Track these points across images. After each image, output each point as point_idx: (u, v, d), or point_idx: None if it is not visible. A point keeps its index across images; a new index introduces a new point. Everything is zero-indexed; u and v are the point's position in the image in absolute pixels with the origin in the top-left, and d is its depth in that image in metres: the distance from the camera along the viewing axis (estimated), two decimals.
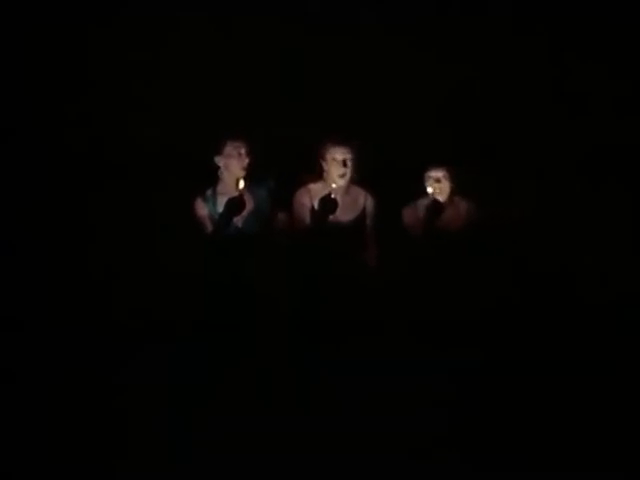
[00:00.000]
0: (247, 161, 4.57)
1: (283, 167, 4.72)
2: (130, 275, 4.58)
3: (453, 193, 4.68)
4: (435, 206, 4.66)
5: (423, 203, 4.71)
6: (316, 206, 4.66)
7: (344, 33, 4.96)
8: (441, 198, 4.66)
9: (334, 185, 4.63)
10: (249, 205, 4.56)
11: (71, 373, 4.14)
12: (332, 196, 4.62)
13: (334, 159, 4.70)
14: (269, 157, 4.62)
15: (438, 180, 4.68)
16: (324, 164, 4.69)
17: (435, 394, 4.02)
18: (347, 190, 4.71)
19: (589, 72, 4.90)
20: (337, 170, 4.68)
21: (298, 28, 4.95)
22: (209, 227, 4.58)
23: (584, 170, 4.81)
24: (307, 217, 4.67)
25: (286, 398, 4.06)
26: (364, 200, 4.73)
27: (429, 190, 4.67)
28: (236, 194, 4.52)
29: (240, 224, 4.60)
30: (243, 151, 4.57)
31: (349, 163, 4.69)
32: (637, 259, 4.65)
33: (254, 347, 4.20)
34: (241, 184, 4.49)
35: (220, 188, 4.63)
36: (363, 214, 4.72)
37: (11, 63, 4.88)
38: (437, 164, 4.71)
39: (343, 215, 4.66)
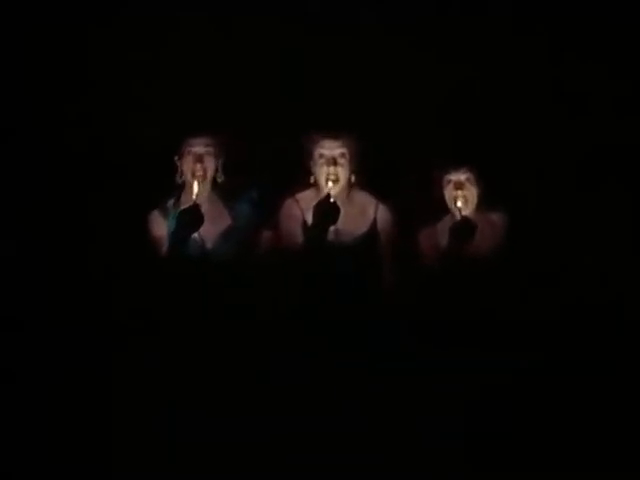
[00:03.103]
0: (210, 164, 3.87)
1: (275, 175, 4.27)
2: (130, 275, 4.58)
3: (481, 202, 3.87)
4: (465, 226, 3.67)
5: (446, 224, 3.81)
6: (309, 217, 3.74)
7: (344, 33, 4.95)
8: (467, 210, 3.79)
9: (330, 191, 3.68)
10: (224, 222, 3.88)
11: (71, 373, 4.14)
12: (332, 200, 3.65)
13: (322, 156, 3.83)
14: (262, 163, 4.32)
15: (460, 185, 3.80)
16: (312, 164, 3.88)
17: (436, 395, 4.02)
18: (350, 197, 3.85)
19: (589, 72, 4.90)
20: (325, 171, 3.80)
21: (298, 28, 4.95)
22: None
23: (584, 170, 4.81)
24: (299, 233, 3.82)
25: (285, 398, 4.06)
26: (374, 210, 3.85)
27: (450, 200, 3.81)
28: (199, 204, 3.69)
29: (210, 245, 3.83)
30: (203, 151, 3.87)
31: (342, 162, 3.81)
32: (637, 259, 4.65)
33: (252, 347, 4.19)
34: (195, 189, 3.73)
35: (185, 198, 3.89)
36: (374, 229, 3.84)
37: (11, 63, 4.88)
38: (457, 164, 3.84)
39: (347, 230, 3.77)
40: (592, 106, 4.89)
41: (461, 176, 3.86)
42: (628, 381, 4.10)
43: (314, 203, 3.69)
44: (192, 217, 3.64)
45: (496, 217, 4.02)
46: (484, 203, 4.05)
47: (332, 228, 3.67)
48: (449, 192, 3.88)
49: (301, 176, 4.05)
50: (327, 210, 3.63)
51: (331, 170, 3.78)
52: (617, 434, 3.90)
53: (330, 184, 3.74)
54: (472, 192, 3.89)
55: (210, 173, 3.91)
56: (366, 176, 4.10)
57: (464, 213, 3.81)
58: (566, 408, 4.01)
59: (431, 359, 4.03)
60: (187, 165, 3.91)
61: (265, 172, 4.32)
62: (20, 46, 4.88)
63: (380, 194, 4.06)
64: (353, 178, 3.99)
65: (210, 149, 3.91)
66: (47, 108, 4.87)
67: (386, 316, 3.93)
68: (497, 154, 4.84)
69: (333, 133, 3.86)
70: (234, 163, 4.10)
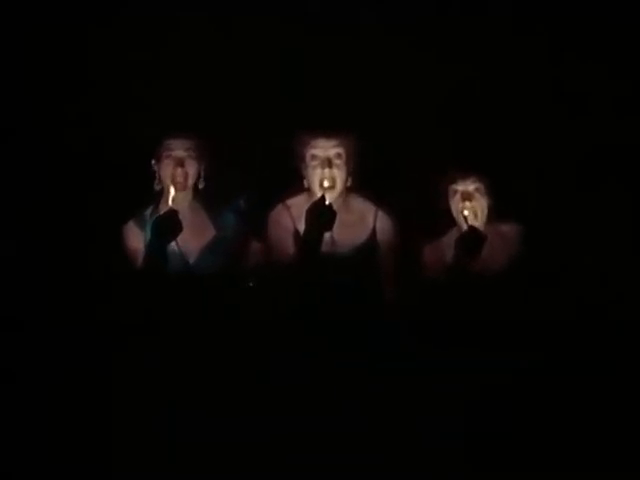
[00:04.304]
0: (192, 169, 3.57)
1: (264, 180, 4.07)
2: (130, 275, 4.58)
3: (492, 214, 3.58)
4: (472, 238, 3.35)
5: (452, 237, 3.52)
6: (301, 226, 3.35)
7: (344, 33, 4.95)
8: (476, 222, 3.47)
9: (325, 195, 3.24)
10: (208, 233, 3.61)
11: (71, 373, 4.14)
12: (327, 203, 3.24)
13: (315, 157, 3.48)
14: (251, 167, 4.17)
15: (469, 197, 3.49)
16: (303, 167, 3.55)
17: (436, 395, 4.02)
18: (346, 203, 3.52)
19: (589, 72, 4.90)
20: (319, 174, 3.43)
21: (298, 28, 4.94)
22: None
23: (584, 170, 4.81)
24: (290, 243, 3.48)
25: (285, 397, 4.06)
26: (374, 218, 3.52)
27: (457, 212, 3.51)
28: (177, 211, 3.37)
29: (192, 260, 3.56)
30: (184, 154, 3.60)
31: (338, 163, 3.47)
32: (637, 259, 4.64)
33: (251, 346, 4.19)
34: (171, 193, 3.44)
35: (163, 206, 3.60)
36: (373, 238, 3.52)
37: (11, 63, 4.88)
38: (464, 172, 3.52)
39: (343, 240, 3.43)
40: (592, 106, 4.89)
41: (469, 186, 3.59)
42: (628, 381, 4.10)
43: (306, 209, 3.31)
44: (169, 224, 3.33)
45: (507, 228, 3.79)
46: (494, 213, 3.85)
47: (327, 237, 3.32)
48: (456, 204, 3.63)
49: (293, 180, 3.79)
50: (321, 214, 3.23)
51: (326, 173, 3.44)
52: (617, 434, 3.90)
53: (327, 190, 3.37)
54: (481, 203, 3.62)
55: (191, 179, 3.65)
56: (364, 179, 3.87)
57: (472, 224, 3.52)
58: (566, 408, 4.01)
59: (431, 359, 4.03)
60: (166, 170, 3.65)
61: (254, 177, 4.19)
62: (20, 46, 4.88)
63: (380, 200, 3.83)
64: (350, 182, 3.71)
65: (192, 152, 3.65)
66: (47, 108, 4.87)
67: (386, 316, 3.81)
68: (498, 157, 4.85)
69: (327, 131, 3.54)
70: (219, 167, 3.92)
